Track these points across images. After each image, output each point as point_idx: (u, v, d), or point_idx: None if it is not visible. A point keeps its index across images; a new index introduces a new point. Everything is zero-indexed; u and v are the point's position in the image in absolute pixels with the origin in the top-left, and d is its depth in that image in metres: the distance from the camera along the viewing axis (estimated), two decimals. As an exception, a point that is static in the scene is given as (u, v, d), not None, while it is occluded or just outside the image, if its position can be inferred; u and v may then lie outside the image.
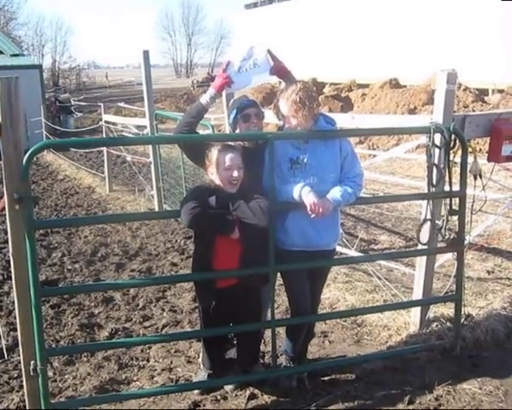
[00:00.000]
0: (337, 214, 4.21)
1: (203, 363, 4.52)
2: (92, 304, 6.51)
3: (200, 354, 4.65)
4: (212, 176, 3.92)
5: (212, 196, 3.82)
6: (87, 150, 18.82)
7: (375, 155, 12.92)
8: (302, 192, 3.87)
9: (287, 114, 3.98)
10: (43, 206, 12.39)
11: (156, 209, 10.49)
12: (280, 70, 4.19)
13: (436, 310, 5.31)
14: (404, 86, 22.15)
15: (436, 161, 4.41)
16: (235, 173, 3.85)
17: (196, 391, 4.36)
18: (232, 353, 4.57)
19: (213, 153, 3.89)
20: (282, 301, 5.86)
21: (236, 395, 4.31)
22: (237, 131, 4.21)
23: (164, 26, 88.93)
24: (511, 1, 18.79)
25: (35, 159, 19.82)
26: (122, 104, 27.51)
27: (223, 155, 3.85)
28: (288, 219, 4.08)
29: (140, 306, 6.42)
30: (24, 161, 3.45)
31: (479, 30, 20.97)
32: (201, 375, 4.51)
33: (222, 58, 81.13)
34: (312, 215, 3.87)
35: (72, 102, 33.63)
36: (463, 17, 21.76)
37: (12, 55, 27.50)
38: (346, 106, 22.86)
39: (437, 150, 4.40)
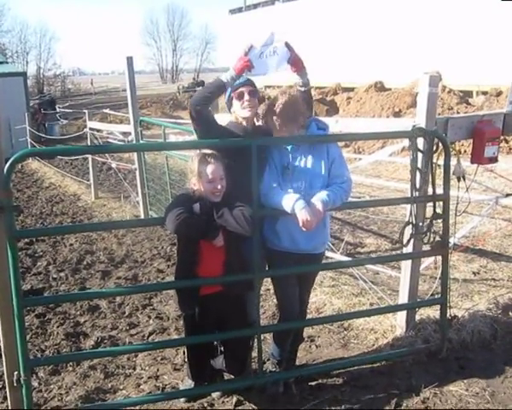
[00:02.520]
0: (326, 219, 4.20)
1: (188, 375, 4.49)
2: (78, 313, 6.46)
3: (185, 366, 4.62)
4: (195, 186, 3.90)
5: (195, 202, 3.81)
6: (72, 158, 18.74)
7: (360, 159, 12.96)
8: (295, 207, 3.86)
9: (272, 127, 4.04)
10: (28, 214, 12.31)
11: (142, 216, 10.45)
12: (297, 62, 4.18)
13: (422, 312, 5.31)
14: (389, 89, 22.26)
15: (419, 165, 4.42)
16: (218, 186, 3.83)
17: (183, 399, 4.32)
18: (220, 361, 4.54)
19: (195, 164, 3.87)
20: (268, 306, 5.86)
21: (223, 402, 4.29)
22: (232, 109, 4.23)
23: (149, 31, 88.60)
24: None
25: (20, 167, 19.87)
26: (107, 111, 27.34)
27: (205, 167, 3.83)
28: (278, 221, 4.09)
29: (126, 313, 6.38)
30: (5, 170, 3.41)
31: (462, 32, 21.12)
32: (188, 382, 4.48)
33: (207, 63, 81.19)
34: (303, 229, 3.87)
35: (58, 109, 33.43)
36: (447, 20, 21.90)
37: (-5, 63, 27.33)
38: (332, 109, 22.96)
39: (420, 154, 4.41)
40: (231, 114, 4.30)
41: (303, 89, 4.22)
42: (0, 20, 59.51)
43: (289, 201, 3.89)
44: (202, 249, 3.89)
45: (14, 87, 24.77)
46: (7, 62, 31.46)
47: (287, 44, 4.13)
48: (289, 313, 4.26)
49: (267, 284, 5.88)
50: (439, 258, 4.72)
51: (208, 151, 3.91)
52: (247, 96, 4.12)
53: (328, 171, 4.09)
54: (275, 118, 4.00)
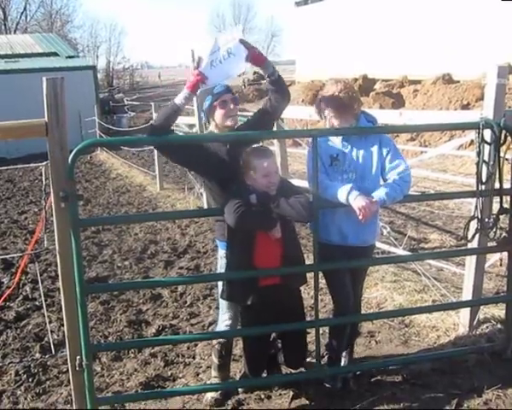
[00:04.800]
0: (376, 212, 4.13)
1: (244, 367, 4.48)
2: (141, 301, 6.60)
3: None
4: (249, 181, 3.88)
5: (251, 193, 3.80)
6: (139, 149, 19.14)
7: (426, 152, 12.69)
8: (350, 197, 3.82)
9: (327, 113, 3.98)
10: (96, 204, 12.66)
11: (205, 207, 10.54)
12: (256, 57, 3.96)
13: (487, 311, 5.15)
14: (458, 82, 21.64)
15: (486, 158, 4.27)
16: (273, 179, 3.83)
17: (240, 389, 4.36)
18: (279, 355, 4.52)
19: (250, 159, 3.87)
20: (328, 300, 5.80)
21: (280, 395, 4.29)
22: (213, 117, 4.12)
23: (215, 25, 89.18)
24: None
25: (89, 158, 20.38)
26: (174, 103, 27.75)
27: (260, 162, 3.82)
28: (326, 215, 4.05)
29: (187, 303, 6.48)
30: (69, 160, 3.49)
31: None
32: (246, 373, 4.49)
33: (273, 56, 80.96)
34: (361, 217, 3.81)
35: (126, 102, 34.19)
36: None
37: (67, 57, 28.14)
38: (398, 102, 22.53)
39: (487, 147, 4.26)
40: (210, 122, 4.21)
41: (273, 78, 4.00)
42: (72, 16, 61.29)
43: (343, 192, 3.84)
44: (259, 241, 3.86)
45: (85, 80, 25.48)
46: (78, 56, 32.34)
47: (242, 41, 3.89)
48: (344, 306, 4.20)
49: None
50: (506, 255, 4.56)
51: (261, 146, 3.90)
52: (231, 105, 4.03)
53: (380, 163, 4.03)
54: (330, 105, 3.94)
